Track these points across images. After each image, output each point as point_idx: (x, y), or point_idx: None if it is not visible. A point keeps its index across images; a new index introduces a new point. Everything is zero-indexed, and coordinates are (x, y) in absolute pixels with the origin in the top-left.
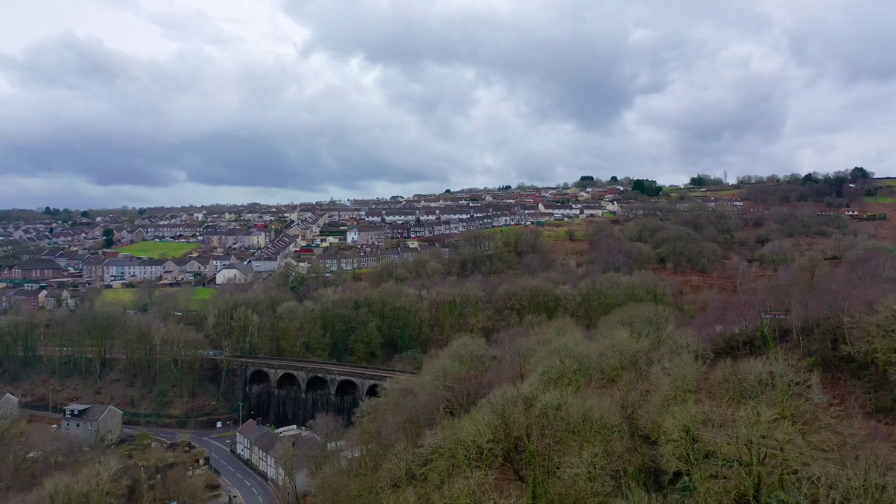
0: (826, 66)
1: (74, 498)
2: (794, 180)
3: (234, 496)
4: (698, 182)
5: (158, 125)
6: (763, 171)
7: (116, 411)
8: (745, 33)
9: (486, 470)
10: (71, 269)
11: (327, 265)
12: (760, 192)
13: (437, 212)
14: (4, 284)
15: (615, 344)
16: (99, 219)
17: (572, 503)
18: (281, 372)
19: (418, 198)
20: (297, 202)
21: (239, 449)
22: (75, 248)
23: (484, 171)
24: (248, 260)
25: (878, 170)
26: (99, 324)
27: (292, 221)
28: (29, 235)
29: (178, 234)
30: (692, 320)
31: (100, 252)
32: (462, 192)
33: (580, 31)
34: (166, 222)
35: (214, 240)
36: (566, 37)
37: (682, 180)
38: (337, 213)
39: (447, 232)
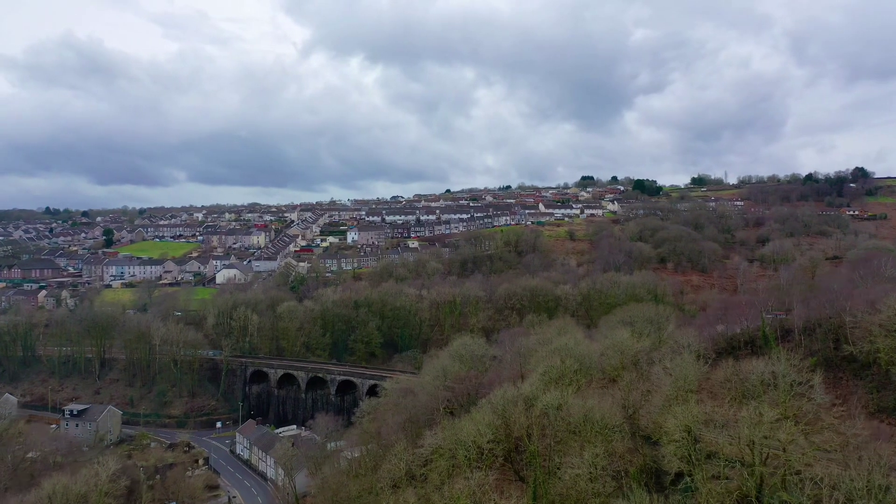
0: (826, 66)
1: (73, 498)
2: (794, 180)
3: (234, 496)
4: (699, 182)
5: (159, 125)
6: (764, 171)
7: (116, 411)
8: (746, 33)
9: (487, 470)
10: (70, 269)
11: (327, 265)
12: (761, 191)
13: (438, 211)
14: (4, 284)
15: (616, 344)
16: (99, 219)
17: None
18: (281, 372)
19: (418, 198)
20: (297, 202)
21: (238, 449)
22: (75, 248)
23: (484, 171)
24: (247, 260)
25: (879, 169)
26: (98, 324)
27: (292, 221)
28: (29, 235)
29: (178, 234)
30: (693, 320)
31: (99, 252)
32: (462, 191)
33: (580, 31)
34: (166, 222)
35: (214, 240)
36: (566, 37)
37: (682, 180)
38: (337, 212)
39: (447, 232)
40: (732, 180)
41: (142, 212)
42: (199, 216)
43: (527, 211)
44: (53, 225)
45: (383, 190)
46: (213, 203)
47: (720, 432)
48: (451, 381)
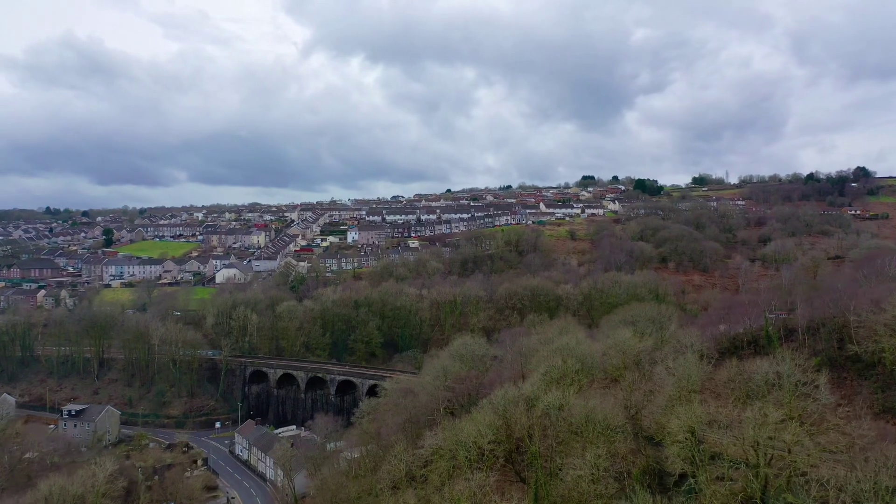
0: (827, 66)
1: (69, 499)
2: (796, 180)
3: (233, 497)
4: (700, 181)
5: (159, 125)
6: (765, 171)
7: (114, 411)
8: (747, 33)
9: (488, 471)
10: (70, 269)
11: (327, 265)
12: (762, 191)
13: (438, 211)
14: (3, 284)
15: (618, 343)
16: (99, 219)
17: None
18: (280, 372)
19: (419, 197)
20: (297, 202)
21: (238, 450)
22: (75, 248)
23: (485, 170)
24: (247, 259)
25: (881, 169)
26: (97, 323)
27: (292, 221)
28: (28, 235)
29: (177, 233)
30: (695, 320)
31: (99, 252)
32: (463, 191)
33: (581, 31)
34: (166, 222)
35: (214, 239)
36: (567, 36)
37: (683, 180)
38: (337, 212)
39: (448, 231)
40: (734, 180)
41: (142, 212)
42: (199, 216)
43: (527, 210)
44: (53, 225)
45: (384, 190)
46: (213, 203)
47: (724, 433)
48: (451, 381)
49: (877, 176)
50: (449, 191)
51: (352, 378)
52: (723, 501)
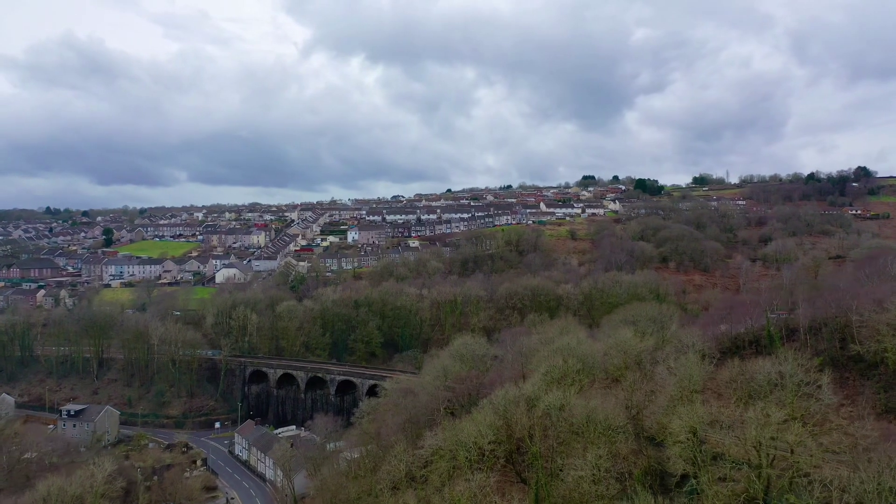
0: (828, 66)
1: (68, 500)
2: (796, 179)
3: (232, 498)
4: (700, 181)
5: (160, 125)
6: (765, 171)
7: (113, 412)
8: (747, 33)
9: (488, 472)
10: (70, 269)
11: (327, 264)
12: (763, 191)
13: (439, 211)
14: (3, 284)
15: (619, 343)
16: (99, 218)
17: None
18: (280, 372)
19: (419, 197)
20: (298, 202)
21: (237, 450)
22: (74, 248)
23: (485, 170)
24: (247, 259)
25: (881, 169)
26: (97, 323)
27: (293, 221)
28: (28, 235)
29: (177, 233)
30: (696, 319)
31: (99, 251)
32: (463, 191)
33: (581, 31)
34: (166, 222)
35: (214, 239)
36: (567, 36)
37: (683, 180)
38: (337, 212)
39: (448, 231)
40: (734, 180)
41: (142, 211)
42: (199, 216)
43: (528, 210)
44: (53, 225)
45: (384, 190)
46: (213, 203)
47: (726, 433)
48: (451, 381)
49: (877, 176)
50: (449, 191)
51: (352, 378)
52: (725, 502)
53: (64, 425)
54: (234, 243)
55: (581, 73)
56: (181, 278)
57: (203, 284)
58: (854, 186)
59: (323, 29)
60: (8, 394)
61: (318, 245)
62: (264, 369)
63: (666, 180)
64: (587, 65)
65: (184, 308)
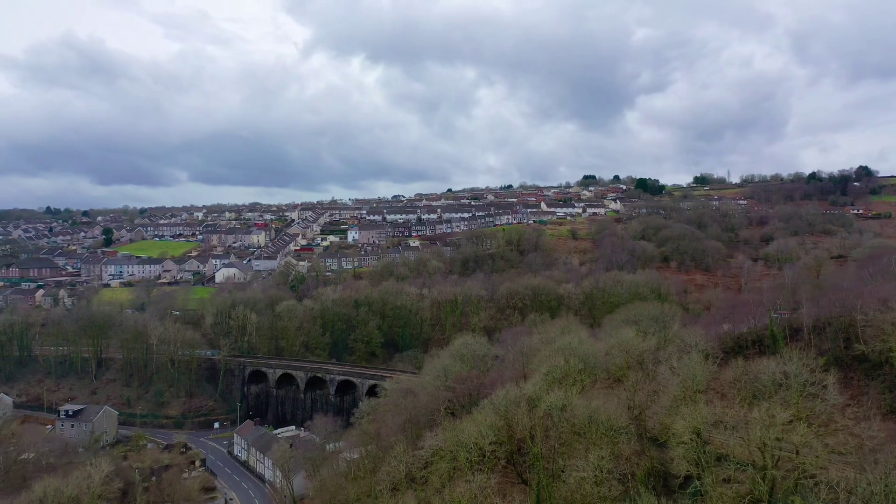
0: (828, 66)
1: (64, 501)
2: (798, 179)
3: (231, 499)
4: (701, 181)
5: (160, 125)
6: (766, 171)
7: (112, 412)
8: (748, 32)
9: (489, 473)
10: (69, 269)
11: (328, 264)
12: (764, 190)
13: (439, 210)
14: (1, 283)
15: (621, 343)
16: (99, 218)
17: None
18: (280, 372)
19: (420, 197)
20: (298, 202)
21: (236, 450)
22: (74, 248)
23: (486, 170)
24: (247, 259)
25: (882, 169)
26: (95, 323)
27: (293, 220)
28: (28, 234)
29: (177, 233)
30: (698, 319)
31: (98, 251)
32: (464, 191)
33: (582, 31)
34: (166, 221)
35: (214, 239)
36: (568, 36)
37: (684, 180)
38: (338, 211)
39: (449, 231)
40: (735, 179)
41: (142, 211)
42: (200, 215)
43: (529, 210)
44: (53, 224)
45: (385, 190)
46: (214, 203)
47: (730, 434)
48: (452, 381)
49: (879, 175)
50: (450, 190)
51: (352, 378)
52: None
53: (62, 425)
54: (234, 243)
55: (582, 72)
56: (181, 278)
57: (203, 284)
58: (855, 186)
59: (323, 29)
60: (6, 394)
61: (318, 245)
62: (264, 369)
63: (667, 180)
64: (588, 64)
65: (183, 308)
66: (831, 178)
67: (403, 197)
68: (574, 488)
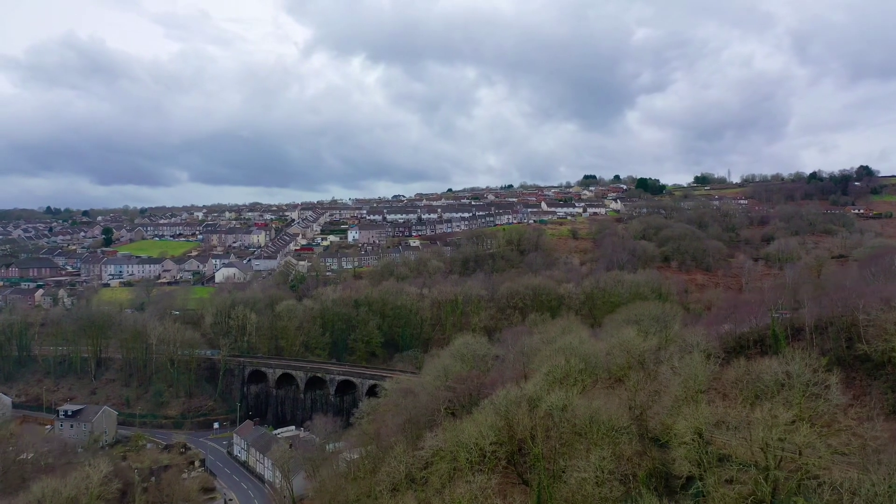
0: (829, 65)
1: (62, 502)
2: (798, 179)
3: (230, 499)
4: (702, 181)
5: (161, 125)
6: (767, 171)
7: (111, 412)
8: (748, 32)
9: (489, 473)
10: (69, 268)
11: (328, 264)
12: (765, 190)
13: (439, 210)
14: (1, 283)
15: (622, 342)
16: (100, 218)
17: None
18: (279, 372)
19: (420, 196)
20: (298, 202)
21: (236, 450)
22: (74, 247)
23: (486, 170)
24: (247, 258)
25: (883, 168)
26: (95, 323)
27: (293, 220)
28: (28, 234)
29: (177, 232)
30: (699, 319)
31: (98, 251)
32: (464, 191)
33: (583, 31)
34: (166, 221)
35: (214, 238)
36: (569, 36)
37: (685, 179)
38: (338, 211)
39: (449, 230)
40: (736, 179)
41: (143, 211)
42: (200, 215)
43: (529, 209)
44: (53, 224)
45: (385, 190)
46: (214, 203)
47: (732, 434)
48: (452, 381)
49: (880, 175)
50: (450, 190)
51: (352, 378)
52: None
53: (61, 426)
54: (234, 243)
55: (582, 72)
56: (180, 278)
57: (202, 284)
58: (856, 186)
59: (324, 29)
60: (5, 394)
61: (318, 244)
62: (263, 369)
63: (667, 180)
64: (588, 64)
65: (183, 307)
66: (832, 177)
67: (404, 197)
68: (575, 489)
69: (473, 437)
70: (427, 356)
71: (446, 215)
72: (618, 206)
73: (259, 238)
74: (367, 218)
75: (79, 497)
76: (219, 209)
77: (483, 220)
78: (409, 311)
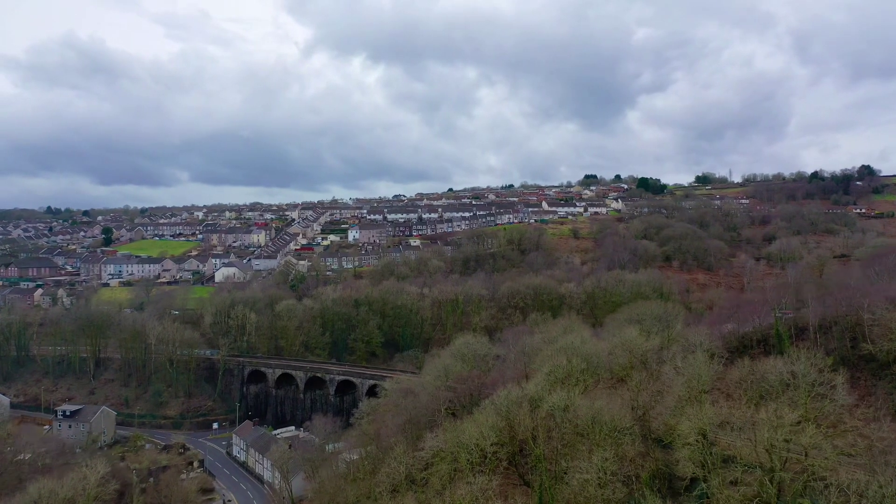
0: (830, 65)
1: (59, 503)
2: (800, 178)
3: (229, 500)
4: (703, 180)
5: (161, 125)
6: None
7: (110, 412)
8: (749, 32)
9: (490, 475)
10: (69, 268)
11: (328, 263)
12: (766, 190)
13: (440, 210)
14: (0, 283)
15: (624, 342)
16: (100, 218)
17: None
18: (279, 372)
19: (420, 196)
20: (299, 201)
21: (235, 451)
22: (74, 247)
23: (487, 170)
24: (247, 258)
25: (885, 168)
26: (93, 322)
27: (293, 220)
28: (28, 234)
29: (177, 232)
30: (701, 318)
31: (98, 250)
32: (465, 190)
33: (583, 30)
34: (166, 221)
35: (214, 238)
36: (569, 36)
37: (686, 179)
38: (338, 211)
39: (449, 230)
40: (737, 179)
41: (143, 211)
42: (200, 215)
43: (530, 209)
44: (53, 224)
45: (386, 190)
46: (215, 203)
47: (737, 435)
48: (452, 381)
49: (881, 174)
50: (451, 190)
51: (351, 378)
52: None
53: (59, 426)
54: (234, 242)
55: (583, 72)
56: (180, 277)
57: (202, 283)
58: (858, 185)
59: (324, 29)
60: (3, 394)
61: (318, 244)
62: (263, 369)
63: (668, 180)
64: (589, 64)
65: (182, 307)
66: (833, 177)
67: (404, 196)
68: (577, 490)
69: (474, 437)
70: (427, 356)
71: (447, 215)
72: (619, 205)
73: (259, 238)
74: (368, 217)
75: (75, 498)
76: (219, 209)
77: (484, 220)
78: (409, 311)
